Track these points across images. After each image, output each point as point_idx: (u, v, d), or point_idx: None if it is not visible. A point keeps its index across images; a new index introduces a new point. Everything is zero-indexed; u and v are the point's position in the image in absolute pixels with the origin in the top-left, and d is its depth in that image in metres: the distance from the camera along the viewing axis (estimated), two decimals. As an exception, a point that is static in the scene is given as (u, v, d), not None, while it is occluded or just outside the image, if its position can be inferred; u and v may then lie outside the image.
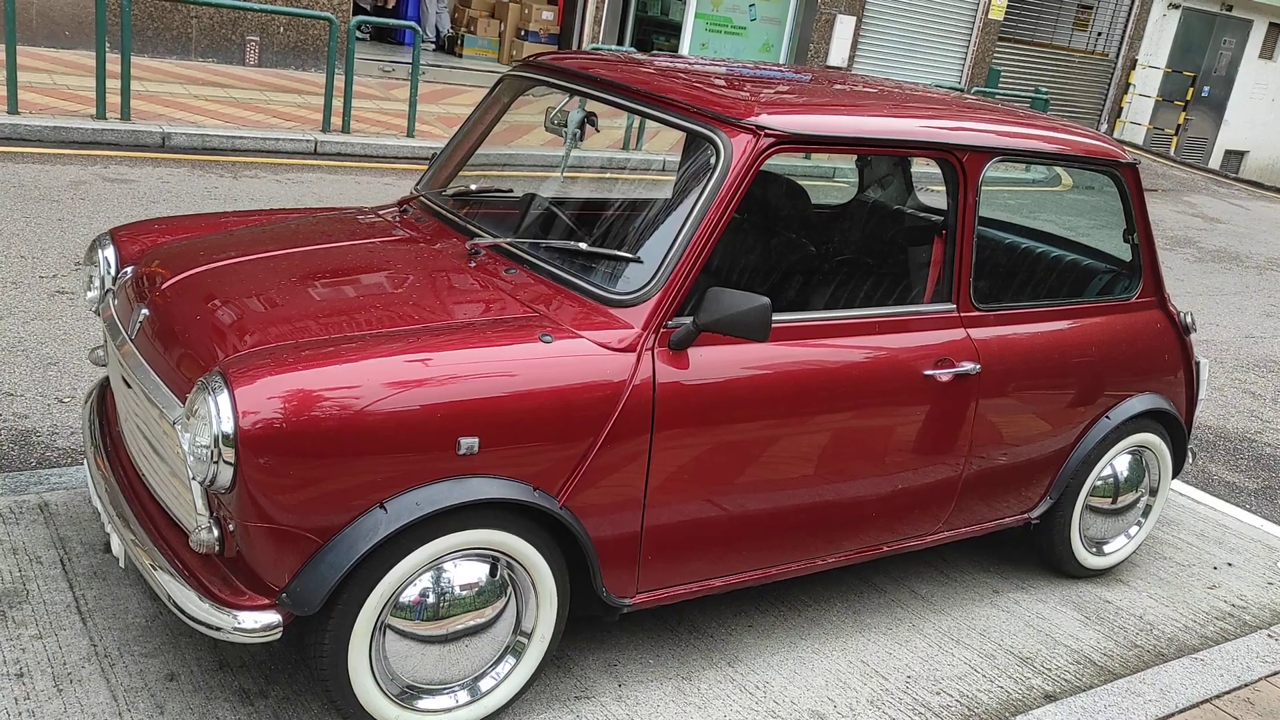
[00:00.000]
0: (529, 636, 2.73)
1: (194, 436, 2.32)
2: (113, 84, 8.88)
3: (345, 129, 9.93)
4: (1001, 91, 15.65)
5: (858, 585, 3.67)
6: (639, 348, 2.70)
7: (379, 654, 2.54)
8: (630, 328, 2.72)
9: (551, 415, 2.57)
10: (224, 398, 2.28)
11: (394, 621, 2.53)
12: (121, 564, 2.72)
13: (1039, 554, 3.91)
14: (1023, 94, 16.06)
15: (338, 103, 9.93)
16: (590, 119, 3.35)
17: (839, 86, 3.58)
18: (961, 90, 15.43)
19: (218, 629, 2.38)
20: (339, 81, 9.92)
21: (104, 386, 3.27)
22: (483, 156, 3.72)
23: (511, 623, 2.70)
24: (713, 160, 2.84)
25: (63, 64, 10.65)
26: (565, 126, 3.35)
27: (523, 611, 2.72)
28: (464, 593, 2.60)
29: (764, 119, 2.85)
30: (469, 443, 2.46)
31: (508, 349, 2.58)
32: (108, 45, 8.98)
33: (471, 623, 2.61)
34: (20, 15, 10.66)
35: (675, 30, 14.84)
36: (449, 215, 3.29)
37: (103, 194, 7.21)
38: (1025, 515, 3.69)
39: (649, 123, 3.10)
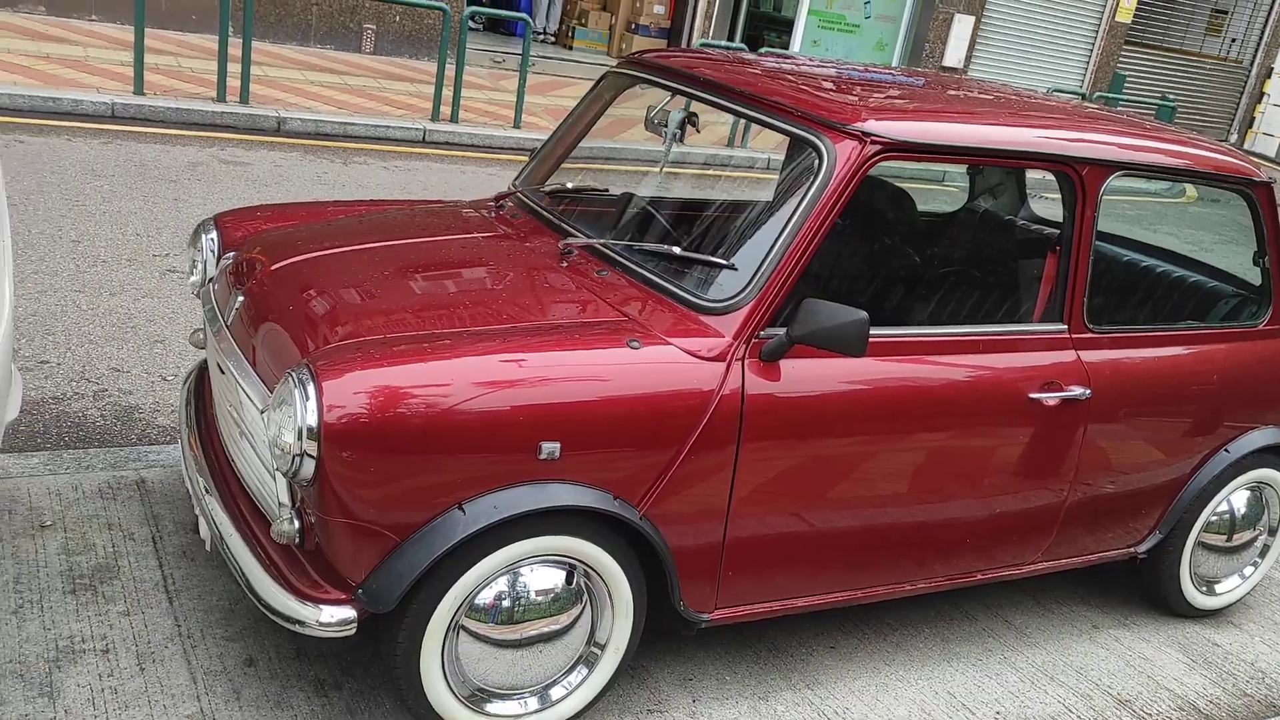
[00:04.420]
0: (603, 648, 2.68)
1: (279, 427, 2.32)
2: (234, 68, 9.12)
3: (454, 118, 10.04)
4: (1126, 98, 15.10)
5: (948, 612, 3.53)
6: (729, 357, 2.62)
7: (451, 655, 2.51)
8: (721, 336, 2.64)
9: (635, 423, 2.51)
10: (310, 390, 2.28)
11: (468, 623, 2.51)
12: (207, 547, 2.76)
13: (1144, 590, 3.72)
14: (1148, 101, 15.47)
15: (448, 92, 10.04)
16: (691, 119, 3.28)
17: (952, 92, 3.45)
18: (1083, 96, 14.93)
19: (298, 622, 2.38)
20: (450, 71, 10.03)
21: (203, 369, 3.32)
22: (583, 151, 3.68)
23: (586, 632, 2.65)
24: (815, 166, 2.75)
25: (189, 48, 10.98)
26: (665, 126, 3.29)
27: (598, 621, 2.67)
28: (539, 598, 2.56)
29: (871, 125, 2.74)
30: (550, 447, 2.42)
31: (594, 353, 2.53)
32: (231, 30, 9.22)
33: (545, 629, 2.57)
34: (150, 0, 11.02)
35: (787, 27, 14.65)
36: (544, 213, 3.26)
37: (218, 175, 7.40)
38: (1131, 549, 3.50)
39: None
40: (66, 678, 2.59)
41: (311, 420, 2.26)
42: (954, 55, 15.40)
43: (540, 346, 2.49)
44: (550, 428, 2.42)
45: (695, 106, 3.29)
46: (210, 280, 3.16)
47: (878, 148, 2.73)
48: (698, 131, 3.31)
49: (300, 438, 2.27)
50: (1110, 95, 15.06)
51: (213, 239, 3.23)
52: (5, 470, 3.39)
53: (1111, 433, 3.23)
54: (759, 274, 2.68)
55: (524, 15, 10.91)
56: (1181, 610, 3.70)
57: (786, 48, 14.45)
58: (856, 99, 2.92)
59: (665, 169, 3.49)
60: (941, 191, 10.54)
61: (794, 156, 2.99)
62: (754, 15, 15.04)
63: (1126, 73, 16.38)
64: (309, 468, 2.29)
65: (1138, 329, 3.33)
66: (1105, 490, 3.31)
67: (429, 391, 2.33)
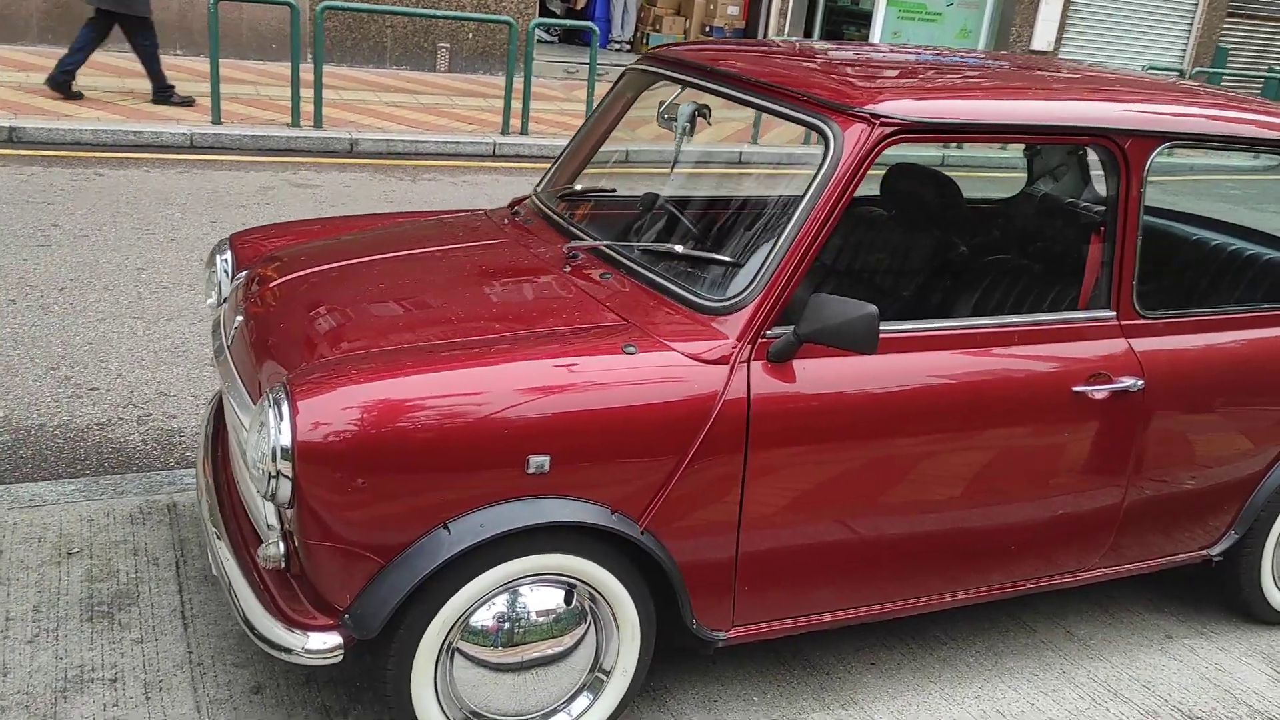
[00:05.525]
0: (608, 673, 2.55)
1: (256, 448, 2.26)
2: (307, 93, 9.28)
3: (524, 130, 10.05)
4: (1230, 72, 14.37)
5: (1004, 623, 3.30)
6: (733, 360, 2.47)
7: (446, 680, 2.41)
8: (724, 338, 2.49)
9: (630, 433, 2.38)
10: (284, 410, 2.21)
11: (464, 647, 2.40)
12: (213, 571, 2.72)
13: (1224, 596, 3.43)
14: (1255, 74, 14.69)
15: (518, 105, 10.05)
16: (702, 112, 3.14)
17: (986, 68, 3.23)
18: (1181, 73, 14.25)
19: (285, 649, 2.31)
20: (520, 84, 10.04)
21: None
22: (606, 154, 3.57)
23: (590, 654, 2.53)
24: (822, 152, 2.58)
25: (268, 75, 11.23)
26: (675, 121, 3.15)
27: (603, 644, 2.54)
28: (540, 619, 2.44)
29: (881, 106, 2.57)
30: (539, 461, 2.30)
31: (584, 360, 2.40)
32: (308, 57, 9.40)
33: (546, 652, 2.45)
34: (232, 31, 11.32)
35: (866, 20, 14.34)
36: (555, 217, 3.15)
37: (287, 199, 7.51)
38: (1204, 551, 3.23)
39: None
40: (71, 709, 2.56)
41: (285, 440, 2.19)
42: (1043, 38, 14.88)
43: (527, 355, 2.38)
44: (537, 440, 2.30)
45: (711, 99, 3.15)
46: (224, 301, 3.13)
47: (890, 129, 2.55)
48: (709, 125, 3.16)
49: (274, 458, 2.20)
50: (1212, 70, 14.35)
51: (227, 259, 3.22)
52: (41, 498, 3.43)
53: (1171, 426, 2.98)
54: (763, 270, 2.53)
55: (590, 24, 10.87)
56: (1265, 616, 3.40)
57: (865, 40, 14.14)
58: (867, 79, 2.75)
59: (679, 167, 3.35)
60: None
61: (808, 145, 2.84)
62: (831, 10, 14.76)
63: (1229, 46, 15.60)
64: (285, 489, 2.22)
65: (1199, 313, 3.06)
66: (1168, 489, 3.05)
67: (407, 407, 2.24)
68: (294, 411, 2.20)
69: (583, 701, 2.54)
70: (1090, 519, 2.96)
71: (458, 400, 2.27)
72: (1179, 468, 3.05)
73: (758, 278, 2.53)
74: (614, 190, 3.31)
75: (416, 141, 9.47)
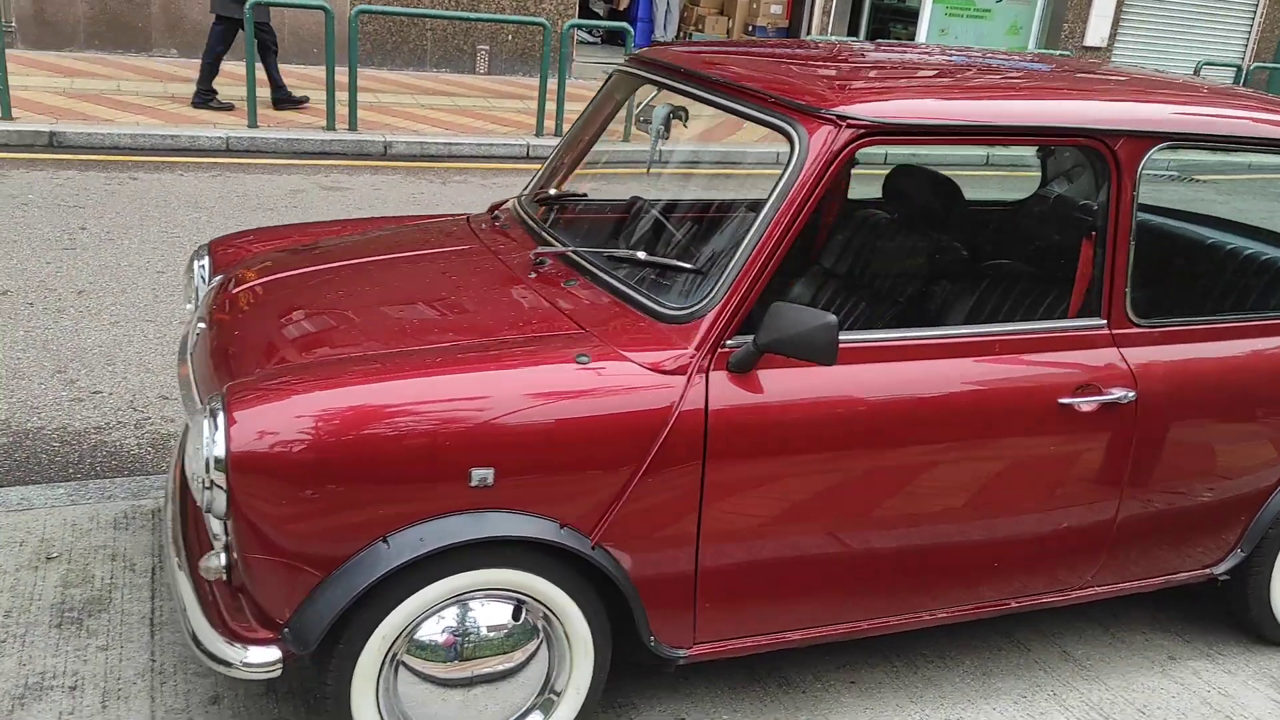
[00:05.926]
0: (560, 693, 2.48)
1: (194, 459, 2.23)
2: (344, 96, 9.33)
3: (558, 132, 10.01)
4: (1292, 66, 13.90)
5: (997, 641, 3.18)
6: (690, 370, 2.39)
7: (389, 696, 2.36)
8: (682, 348, 2.41)
9: (581, 445, 2.31)
10: (220, 421, 2.18)
11: (410, 660, 2.35)
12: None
13: (1232, 616, 3.27)
14: (1318, 67, 14.21)
15: (554, 106, 10.02)
16: (678, 114, 3.06)
17: (976, 66, 3.11)
18: (1239, 68, 13.81)
19: (225, 663, 2.27)
20: (556, 85, 10.01)
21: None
22: (597, 154, 3.51)
23: (543, 670, 2.46)
24: (788, 155, 2.50)
25: (308, 79, 11.31)
26: (650, 123, 3.08)
27: (555, 663, 2.47)
28: (490, 634, 2.38)
29: (849, 107, 2.47)
30: (482, 474, 2.25)
31: (532, 371, 2.34)
32: (346, 60, 9.46)
33: (493, 668, 2.39)
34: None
35: (913, 17, 14.11)
36: (530, 222, 3.09)
37: (315, 202, 7.55)
38: (1207, 570, 3.08)
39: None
40: (27, 717, 2.56)
41: (219, 451, 2.16)
42: (1096, 34, 14.52)
43: (471, 365, 2.32)
44: (479, 453, 2.24)
45: (686, 101, 3.07)
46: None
47: (856, 131, 2.46)
48: (685, 126, 3.09)
49: (208, 469, 2.17)
50: (1274, 66, 13.90)
51: (204, 265, 3.20)
52: (29, 501, 3.44)
53: (1167, 440, 2.83)
54: (723, 278, 2.45)
55: (626, 25, 10.82)
56: (1275, 637, 3.23)
57: (912, 39, 13.91)
58: (838, 79, 2.65)
59: (665, 170, 3.27)
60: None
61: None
62: (877, 8, 14.54)
63: (1293, 39, 15.11)
64: (220, 501, 2.19)
65: (1198, 321, 2.91)
66: (1166, 505, 2.91)
67: (345, 418, 2.19)
68: (230, 422, 2.17)
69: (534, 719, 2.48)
70: (1079, 536, 2.83)
71: (396, 411, 2.21)
72: (1177, 483, 2.90)
73: (718, 285, 2.45)
74: (585, 195, 3.24)
75: (450, 144, 9.49)
